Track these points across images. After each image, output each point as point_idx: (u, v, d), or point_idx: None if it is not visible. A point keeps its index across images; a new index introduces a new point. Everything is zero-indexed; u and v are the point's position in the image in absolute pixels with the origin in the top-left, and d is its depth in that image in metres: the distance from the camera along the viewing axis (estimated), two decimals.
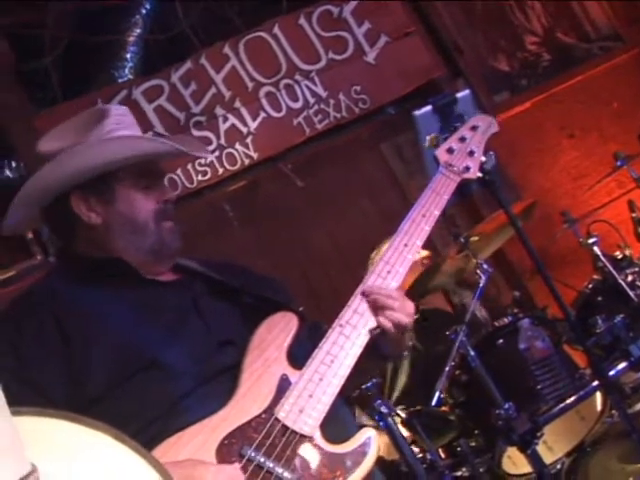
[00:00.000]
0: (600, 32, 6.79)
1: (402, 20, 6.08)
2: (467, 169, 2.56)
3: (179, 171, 5.33)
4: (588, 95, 6.51)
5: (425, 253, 4.53)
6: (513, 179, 5.90)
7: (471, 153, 2.59)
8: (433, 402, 3.73)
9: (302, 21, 5.81)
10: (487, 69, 6.38)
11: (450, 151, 2.57)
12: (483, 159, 2.61)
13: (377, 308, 2.28)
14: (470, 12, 6.44)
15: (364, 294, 2.30)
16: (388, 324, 2.28)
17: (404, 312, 2.29)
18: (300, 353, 2.24)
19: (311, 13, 5.84)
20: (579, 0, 6.77)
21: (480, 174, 2.59)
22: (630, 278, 4.30)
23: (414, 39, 6.09)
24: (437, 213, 2.44)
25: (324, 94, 5.73)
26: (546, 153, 6.29)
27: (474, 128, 2.65)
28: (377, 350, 2.36)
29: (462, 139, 2.61)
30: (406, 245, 2.38)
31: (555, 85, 6.48)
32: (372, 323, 2.27)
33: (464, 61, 6.26)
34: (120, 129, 2.35)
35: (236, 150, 5.47)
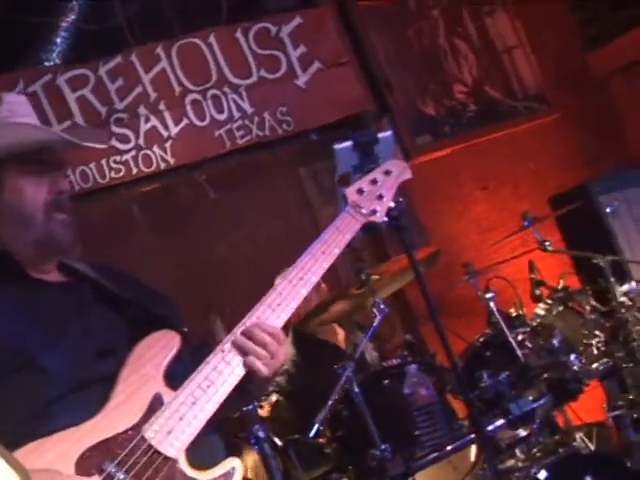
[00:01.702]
0: (527, 92, 6.93)
1: (337, 49, 6.11)
2: (374, 212, 2.57)
3: (92, 165, 5.24)
4: (507, 151, 6.63)
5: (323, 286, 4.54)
6: (423, 222, 5.96)
7: (380, 197, 2.60)
8: (311, 433, 3.72)
9: (239, 35, 5.80)
10: (414, 110, 6.45)
11: (360, 192, 2.58)
12: (391, 204, 2.62)
13: (250, 351, 2.25)
14: (405, 51, 6.51)
15: (245, 331, 2.28)
16: (259, 367, 2.25)
17: (277, 359, 2.27)
18: (180, 374, 2.22)
19: (249, 28, 5.83)
20: (513, 56, 6.91)
21: (386, 219, 2.60)
22: (520, 337, 4.37)
23: (346, 70, 6.12)
24: (337, 251, 2.45)
25: (250, 110, 5.72)
26: (458, 201, 6.37)
27: (387, 172, 2.66)
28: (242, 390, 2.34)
29: (374, 182, 2.62)
30: (301, 279, 2.37)
31: (477, 136, 6.58)
32: None
33: (393, 99, 6.31)
34: (12, 117, 2.30)
35: (153, 152, 5.41)
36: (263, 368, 2.25)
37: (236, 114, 5.68)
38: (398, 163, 2.71)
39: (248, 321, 2.30)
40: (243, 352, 2.25)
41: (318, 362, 4.25)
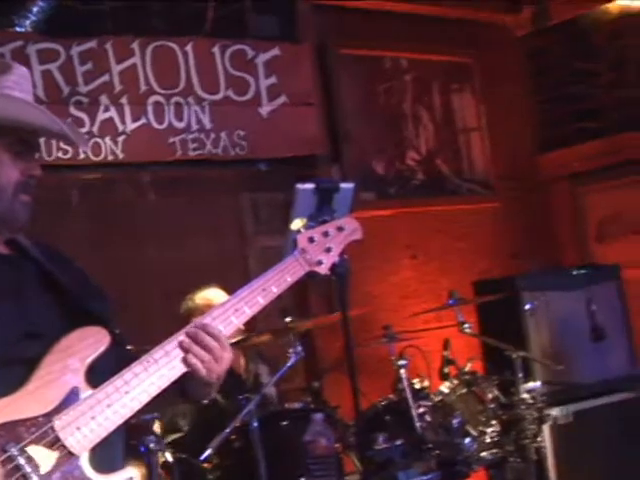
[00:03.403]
0: (474, 174, 7.10)
1: (307, 88, 6.17)
2: (319, 263, 2.61)
3: (41, 140, 5.15)
4: (443, 227, 6.76)
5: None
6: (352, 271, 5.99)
7: (328, 250, 2.64)
8: (202, 456, 3.71)
9: (216, 50, 5.81)
10: (365, 165, 6.54)
11: (311, 240, 2.62)
12: (337, 260, 2.67)
13: (196, 347, 2.28)
14: (371, 106, 6.62)
15: (190, 332, 2.30)
16: (201, 369, 2.28)
17: (221, 361, 2.30)
18: (102, 373, 2.22)
19: (227, 46, 5.84)
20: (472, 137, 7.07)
21: (329, 272, 2.66)
22: (421, 410, 4.44)
23: (311, 110, 6.17)
24: (275, 291, 2.48)
25: (208, 125, 5.72)
26: (387, 264, 6.45)
27: (340, 228, 2.71)
28: (183, 389, 2.35)
29: (326, 234, 2.67)
30: (236, 310, 2.40)
31: (418, 205, 6.70)
32: (177, 370, 2.27)
33: (347, 149, 6.38)
34: (16, 90, 2.30)
35: (104, 143, 5.36)
36: (204, 371, 2.27)
37: (194, 126, 5.67)
38: (352, 222, 2.77)
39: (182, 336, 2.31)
40: (186, 352, 2.27)
41: (222, 388, 4.23)
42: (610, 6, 7.10)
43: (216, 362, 2.29)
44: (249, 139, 5.87)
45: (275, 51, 6.04)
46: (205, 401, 2.51)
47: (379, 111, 6.69)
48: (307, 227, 2.66)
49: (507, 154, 7.22)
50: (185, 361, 2.27)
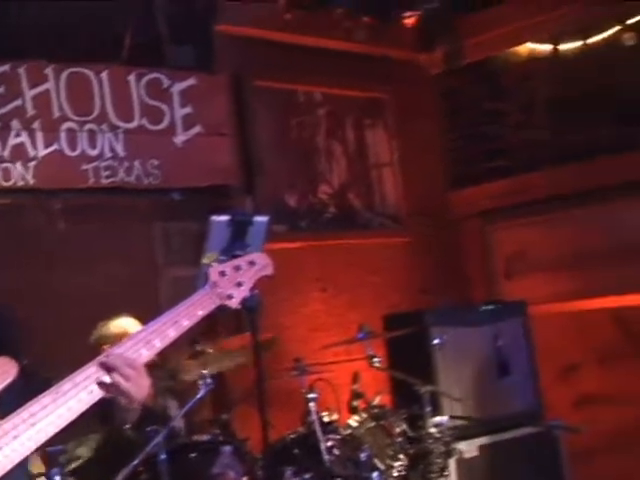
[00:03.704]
0: (386, 209, 7.19)
1: (222, 119, 6.18)
2: (230, 297, 2.66)
3: None
4: (354, 260, 6.81)
5: None
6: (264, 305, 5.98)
7: (239, 284, 2.68)
8: None
9: (131, 78, 5.78)
10: (277, 198, 6.56)
11: (222, 274, 2.66)
12: (247, 294, 2.69)
13: (114, 373, 2.31)
14: (285, 140, 6.66)
15: (105, 360, 2.31)
16: (121, 396, 2.34)
17: (137, 385, 2.35)
18: (10, 404, 2.20)
19: (143, 75, 5.82)
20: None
21: (239, 306, 2.68)
22: (330, 443, 4.44)
23: (225, 141, 6.18)
24: (187, 324, 2.52)
25: (122, 154, 5.67)
26: (297, 296, 6.47)
27: (252, 263, 2.75)
28: (104, 415, 2.37)
29: (237, 268, 2.70)
30: (147, 343, 2.43)
31: (329, 238, 6.74)
32: (85, 403, 2.27)
33: (260, 181, 6.40)
34: None
35: (15, 168, 5.27)
36: (124, 399, 2.35)
37: (107, 154, 5.62)
38: (263, 257, 2.82)
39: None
40: (105, 381, 2.31)
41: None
42: (520, 48, 7.30)
43: (137, 389, 2.32)
44: (163, 168, 5.84)
45: (191, 81, 6.04)
46: (127, 425, 2.53)
47: (293, 144, 6.74)
48: (219, 261, 2.69)
49: (419, 190, 7.33)
50: (105, 389, 2.28)
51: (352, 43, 6.84)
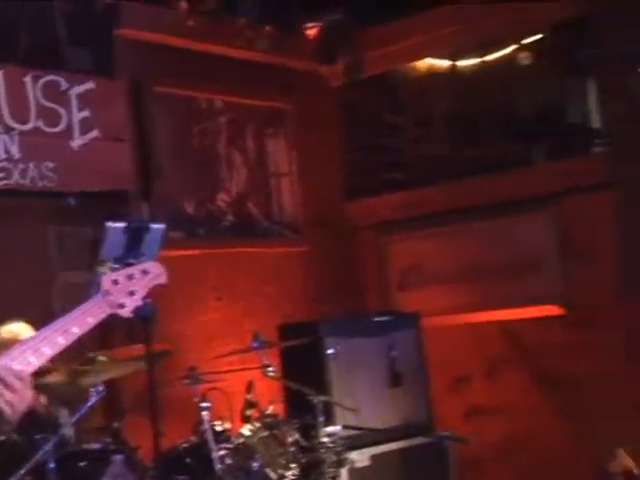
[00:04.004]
0: (284, 219, 7.21)
1: (120, 125, 6.12)
2: (122, 306, 2.64)
3: None
4: (250, 269, 6.80)
5: None
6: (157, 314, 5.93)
7: (132, 293, 2.67)
8: None
9: (28, 79, 5.67)
10: (175, 204, 6.52)
11: (115, 283, 2.64)
12: (140, 304, 2.68)
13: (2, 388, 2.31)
14: (185, 146, 6.64)
15: None
16: (6, 408, 2.31)
17: (21, 396, 2.34)
18: None
19: (40, 77, 5.72)
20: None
21: (131, 315, 2.66)
22: (222, 452, 4.43)
23: (123, 146, 6.12)
24: (76, 331, 2.51)
25: (17, 156, 5.57)
26: (194, 304, 6.44)
27: (145, 272, 2.73)
28: None
29: (130, 277, 2.69)
30: (36, 350, 2.42)
31: (226, 247, 6.73)
32: None
33: (158, 187, 6.35)
34: None
35: None
36: (9, 410, 2.32)
37: (2, 155, 5.51)
38: (157, 266, 2.80)
39: None
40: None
41: (19, 425, 4.10)
42: (419, 64, 7.42)
43: (20, 400, 2.30)
44: (58, 171, 5.75)
45: (90, 85, 5.96)
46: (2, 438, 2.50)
47: (193, 151, 6.71)
48: (112, 269, 2.67)
49: (317, 200, 7.37)
50: None
51: (254, 52, 6.85)
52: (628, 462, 5.79)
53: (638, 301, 6.11)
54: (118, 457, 3.83)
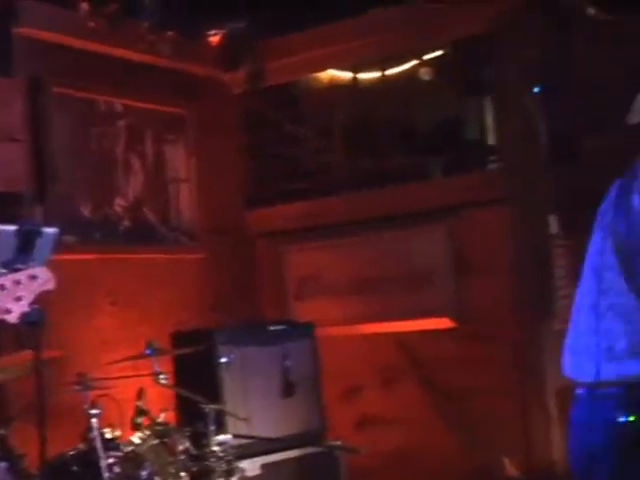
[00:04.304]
0: (181, 225, 7.17)
1: (16, 125, 5.98)
2: (8, 311, 2.60)
3: None
4: (145, 274, 6.72)
5: None
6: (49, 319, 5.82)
7: (19, 299, 2.62)
8: None
9: None
10: (71, 207, 6.41)
11: (1, 288, 2.59)
12: (27, 310, 2.64)
13: None
14: (83, 149, 6.53)
15: None
16: None
17: None
18: None
19: None
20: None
21: (18, 321, 2.62)
22: (111, 460, 4.37)
23: (18, 147, 5.98)
24: None
25: None
26: (87, 308, 6.33)
27: (33, 277, 2.69)
28: None
29: (17, 282, 2.65)
30: None
31: (123, 252, 6.64)
32: None
33: (53, 190, 6.23)
34: None
35: None
36: None
37: None
38: (45, 272, 2.76)
39: None
40: None
41: None
42: (321, 75, 7.47)
43: None
44: None
45: None
46: None
47: (90, 154, 6.60)
48: None
49: (215, 207, 7.35)
50: None
51: (156, 57, 6.79)
52: (512, 471, 5.92)
53: (528, 315, 6.27)
54: (2, 464, 3.75)
